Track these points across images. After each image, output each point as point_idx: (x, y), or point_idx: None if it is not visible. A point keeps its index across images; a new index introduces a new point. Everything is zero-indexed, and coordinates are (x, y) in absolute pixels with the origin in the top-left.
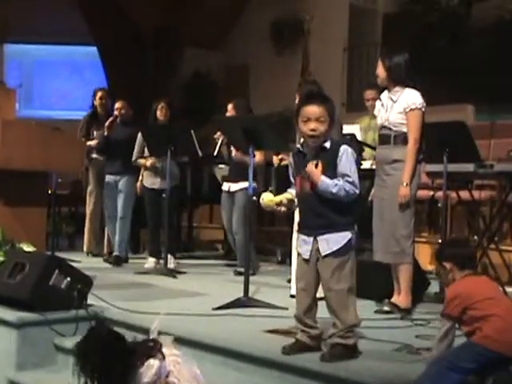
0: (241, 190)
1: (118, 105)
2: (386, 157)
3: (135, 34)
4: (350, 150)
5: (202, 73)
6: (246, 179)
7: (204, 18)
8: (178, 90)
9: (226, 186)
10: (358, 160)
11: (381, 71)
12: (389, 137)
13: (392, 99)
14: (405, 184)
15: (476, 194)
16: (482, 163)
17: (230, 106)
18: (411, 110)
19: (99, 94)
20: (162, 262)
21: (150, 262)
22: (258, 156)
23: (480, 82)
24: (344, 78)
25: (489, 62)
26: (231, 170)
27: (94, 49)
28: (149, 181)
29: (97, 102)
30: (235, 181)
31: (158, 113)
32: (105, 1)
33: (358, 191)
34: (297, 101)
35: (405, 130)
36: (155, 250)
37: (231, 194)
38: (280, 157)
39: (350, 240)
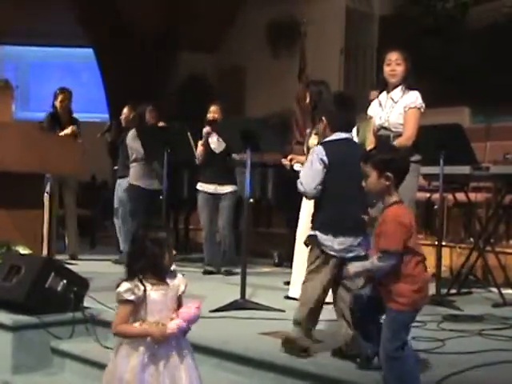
0: (230, 192)
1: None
2: None
3: (131, 36)
4: (315, 149)
5: (198, 76)
6: (234, 182)
7: (200, 21)
8: (174, 93)
9: (209, 188)
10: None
11: (402, 70)
12: (388, 137)
13: (393, 99)
14: None
15: (472, 196)
16: (478, 165)
17: (213, 108)
18: (410, 108)
19: (60, 96)
20: None
21: None
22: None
23: (476, 84)
24: (341, 80)
25: (484, 64)
26: (216, 172)
27: (90, 51)
28: (146, 182)
29: (58, 104)
30: (223, 183)
31: (148, 115)
32: (101, 3)
33: (302, 188)
34: (308, 100)
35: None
36: None
37: (217, 195)
38: (290, 157)
39: (309, 237)
